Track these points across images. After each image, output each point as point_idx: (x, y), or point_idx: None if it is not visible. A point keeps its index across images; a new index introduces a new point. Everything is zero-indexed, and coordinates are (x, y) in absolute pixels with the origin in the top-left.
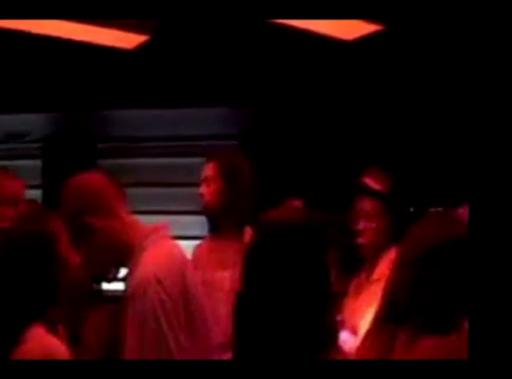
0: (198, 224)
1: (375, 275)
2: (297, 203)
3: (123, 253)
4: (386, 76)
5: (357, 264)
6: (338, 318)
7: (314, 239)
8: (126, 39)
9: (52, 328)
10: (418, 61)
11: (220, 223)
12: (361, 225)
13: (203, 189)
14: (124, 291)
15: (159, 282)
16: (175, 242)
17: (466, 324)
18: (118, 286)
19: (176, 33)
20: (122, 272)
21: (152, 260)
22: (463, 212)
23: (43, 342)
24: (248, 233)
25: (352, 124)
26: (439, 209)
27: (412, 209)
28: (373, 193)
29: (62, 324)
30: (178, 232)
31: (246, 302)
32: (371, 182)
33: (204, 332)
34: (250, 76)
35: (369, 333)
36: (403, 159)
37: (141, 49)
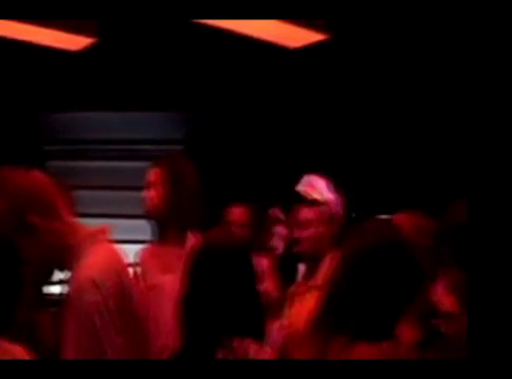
0: (144, 228)
1: (316, 281)
2: (241, 209)
3: (63, 255)
4: (329, 84)
5: (298, 270)
6: (282, 323)
7: (242, 257)
8: (72, 41)
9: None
10: (360, 71)
11: (164, 227)
12: (299, 233)
13: (147, 194)
14: (65, 294)
15: (95, 285)
16: (114, 246)
17: (399, 332)
18: (63, 289)
19: (124, 37)
20: (63, 274)
21: (90, 263)
22: (399, 218)
23: (10, 351)
24: (191, 238)
25: (297, 130)
26: (381, 216)
27: (353, 215)
28: (309, 202)
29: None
30: (124, 236)
31: (189, 304)
32: (310, 191)
33: (144, 335)
34: (198, 81)
35: (305, 339)
36: (347, 165)
37: (88, 51)
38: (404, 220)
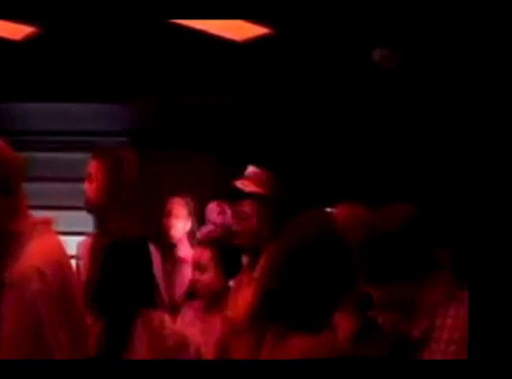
0: (85, 220)
1: (257, 274)
2: (180, 200)
3: (7, 240)
4: (273, 77)
5: (240, 262)
6: (224, 315)
7: (141, 247)
8: (14, 30)
9: None
10: (303, 64)
11: (104, 220)
12: (237, 226)
13: (86, 186)
14: (3, 281)
15: (39, 273)
16: (57, 237)
17: (336, 323)
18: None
19: (67, 26)
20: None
21: (33, 252)
22: (337, 210)
23: None
24: None
25: (241, 122)
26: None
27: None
28: (248, 195)
29: None
30: (65, 228)
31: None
32: (247, 184)
33: (83, 328)
34: (143, 73)
35: (240, 330)
36: (291, 158)
37: (30, 41)
38: (342, 212)
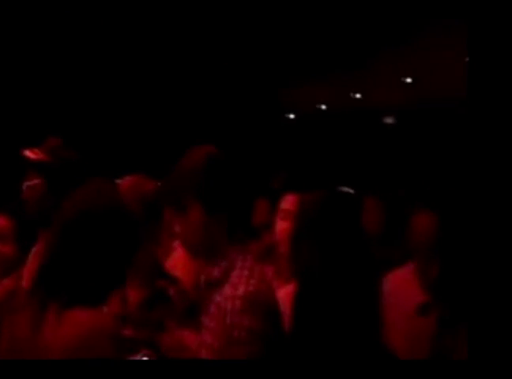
0: None
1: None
2: None
3: None
4: None
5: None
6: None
7: None
8: None
9: None
10: None
11: None
12: (26, 195)
13: None
14: None
15: None
16: None
17: (126, 293)
18: None
19: None
20: None
21: None
22: (122, 182)
23: None
24: None
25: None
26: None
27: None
28: (33, 165)
29: None
30: None
31: None
32: (35, 152)
33: None
34: None
35: (21, 305)
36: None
37: None
38: (126, 183)
